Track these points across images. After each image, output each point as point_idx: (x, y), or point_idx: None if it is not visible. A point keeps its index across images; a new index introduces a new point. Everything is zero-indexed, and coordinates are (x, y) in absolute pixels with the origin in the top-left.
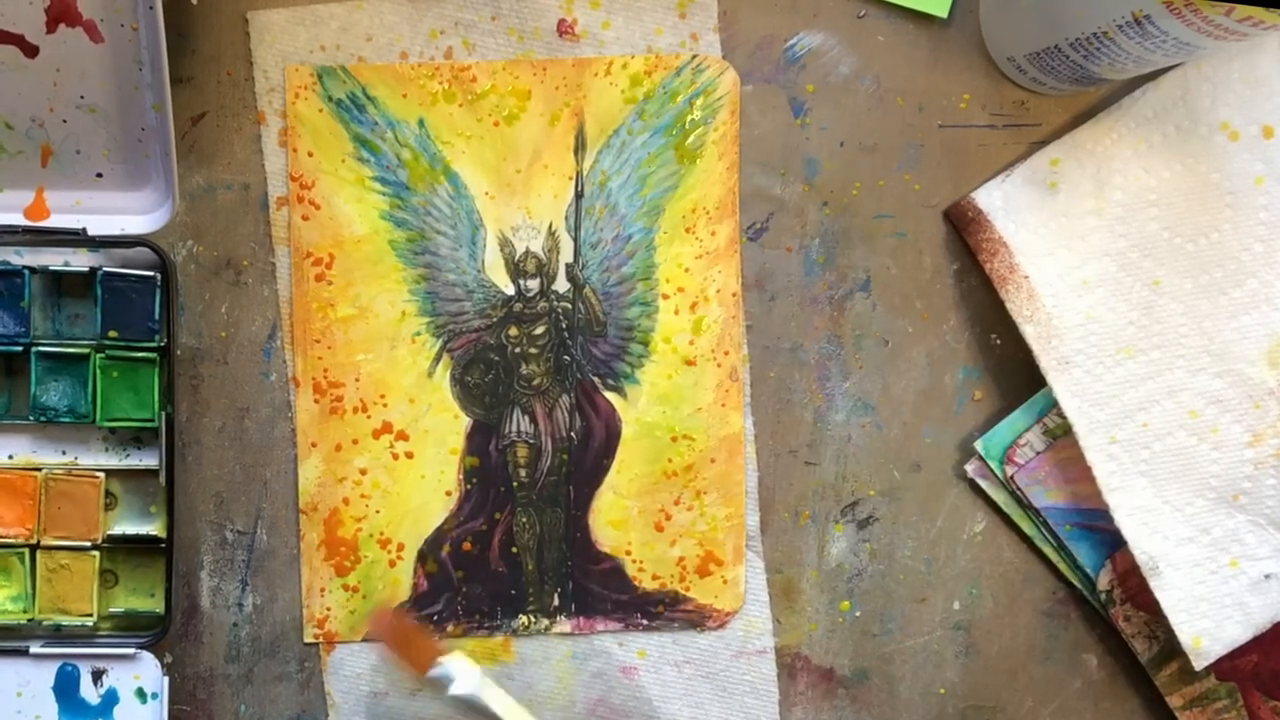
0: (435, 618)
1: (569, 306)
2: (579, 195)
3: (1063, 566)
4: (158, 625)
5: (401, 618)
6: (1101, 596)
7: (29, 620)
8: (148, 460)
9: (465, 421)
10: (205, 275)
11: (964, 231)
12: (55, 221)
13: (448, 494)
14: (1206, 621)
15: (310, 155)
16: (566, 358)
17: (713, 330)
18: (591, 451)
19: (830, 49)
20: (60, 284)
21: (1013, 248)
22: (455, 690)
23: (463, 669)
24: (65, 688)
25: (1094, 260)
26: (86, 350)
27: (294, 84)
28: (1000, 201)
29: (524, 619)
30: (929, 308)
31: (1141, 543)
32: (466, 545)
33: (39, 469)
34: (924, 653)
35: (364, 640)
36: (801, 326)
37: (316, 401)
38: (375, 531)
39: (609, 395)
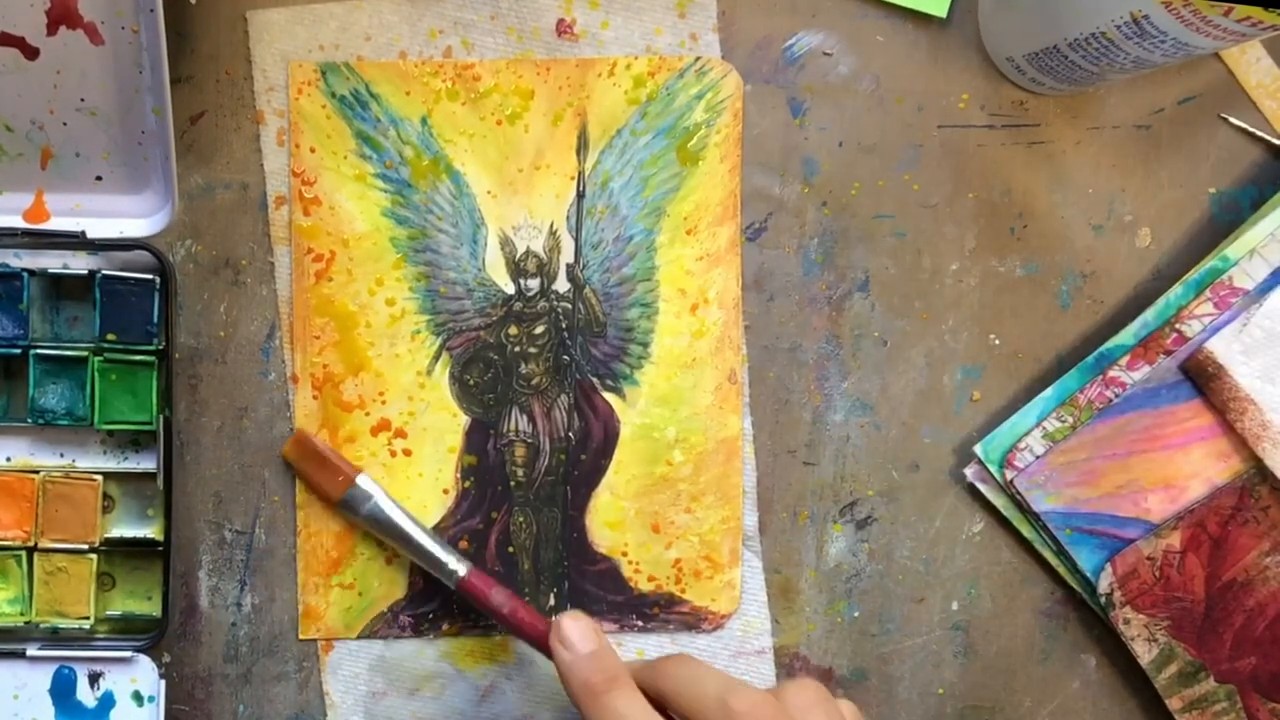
0: (431, 615)
1: (569, 306)
2: (581, 195)
3: (1062, 570)
4: (155, 628)
5: (309, 442)
6: (1101, 600)
7: (26, 623)
8: (146, 463)
9: (464, 420)
10: (204, 275)
11: (1204, 388)
12: (54, 224)
13: (445, 492)
14: None
15: (312, 151)
16: (566, 358)
17: (712, 333)
18: (589, 452)
19: (829, 49)
20: (59, 287)
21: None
22: (362, 513)
23: (373, 490)
24: (62, 690)
25: None
26: (85, 353)
27: (297, 80)
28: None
29: None
30: (927, 308)
31: None
32: (463, 544)
33: (37, 471)
34: (922, 653)
35: (283, 458)
36: (800, 326)
37: (315, 399)
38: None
39: (608, 396)
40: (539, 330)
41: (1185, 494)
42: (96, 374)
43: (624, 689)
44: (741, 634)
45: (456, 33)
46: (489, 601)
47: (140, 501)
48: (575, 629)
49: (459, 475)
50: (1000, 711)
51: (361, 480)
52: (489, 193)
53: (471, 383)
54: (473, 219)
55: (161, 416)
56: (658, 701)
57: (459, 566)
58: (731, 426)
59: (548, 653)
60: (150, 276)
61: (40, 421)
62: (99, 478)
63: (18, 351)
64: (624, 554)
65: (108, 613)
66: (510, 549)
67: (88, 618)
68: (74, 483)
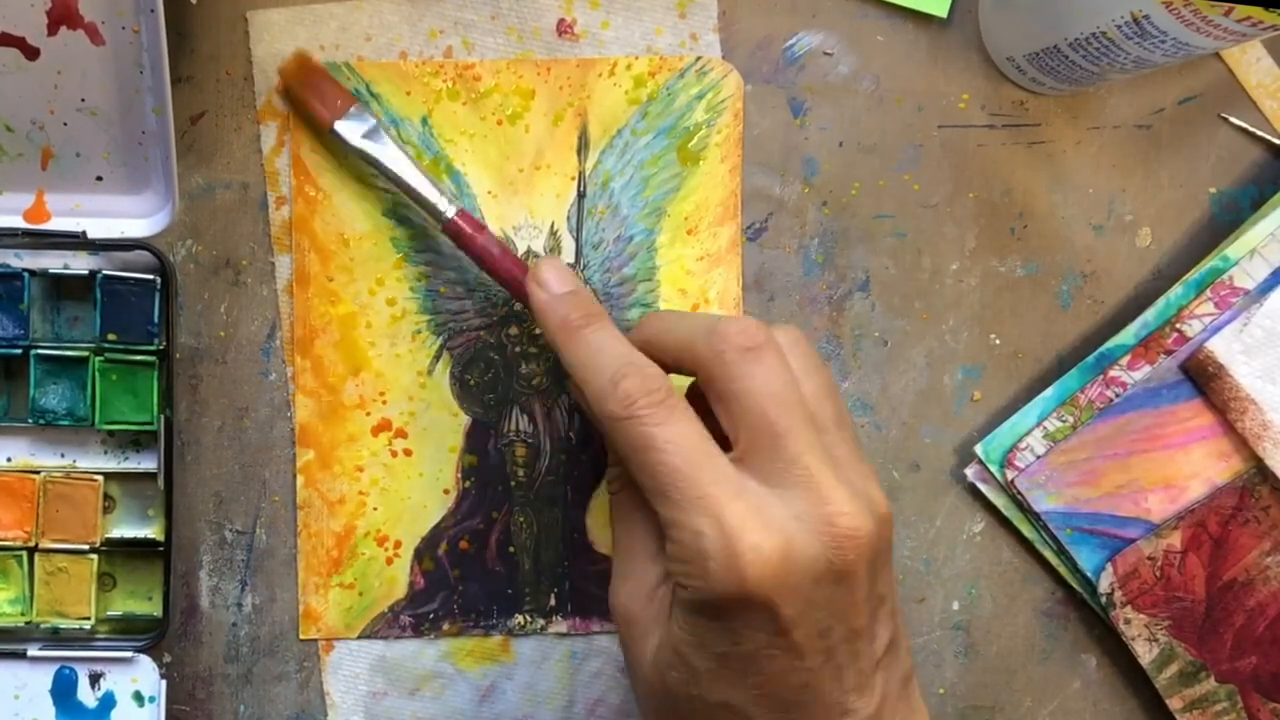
0: (431, 616)
1: None
2: (581, 195)
3: (1063, 570)
4: (155, 629)
5: (311, 61)
6: (1102, 600)
7: (27, 623)
8: (146, 463)
9: (464, 420)
10: (204, 275)
11: (1205, 388)
12: (55, 224)
13: (445, 492)
14: None
15: (314, 151)
16: None
17: None
18: (590, 452)
19: (830, 49)
20: (59, 287)
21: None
22: (355, 143)
23: (369, 119)
24: (63, 690)
25: None
26: (85, 353)
27: None
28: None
29: (520, 618)
30: (928, 308)
31: None
32: (464, 544)
33: (37, 471)
34: (923, 653)
35: (278, 91)
36: (800, 326)
37: (315, 399)
38: (372, 529)
39: None
40: (540, 330)
41: (1186, 494)
42: (97, 374)
43: (603, 324)
44: None
45: (457, 33)
46: (474, 243)
47: (141, 501)
48: (552, 271)
49: (460, 475)
50: (1001, 711)
51: (358, 109)
52: (489, 193)
53: (472, 383)
54: None
55: (162, 417)
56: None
57: (448, 208)
58: None
59: (526, 300)
60: (151, 277)
61: (41, 422)
62: (99, 478)
63: (18, 351)
64: None
65: (108, 613)
66: (511, 549)
67: (88, 618)
68: (74, 483)
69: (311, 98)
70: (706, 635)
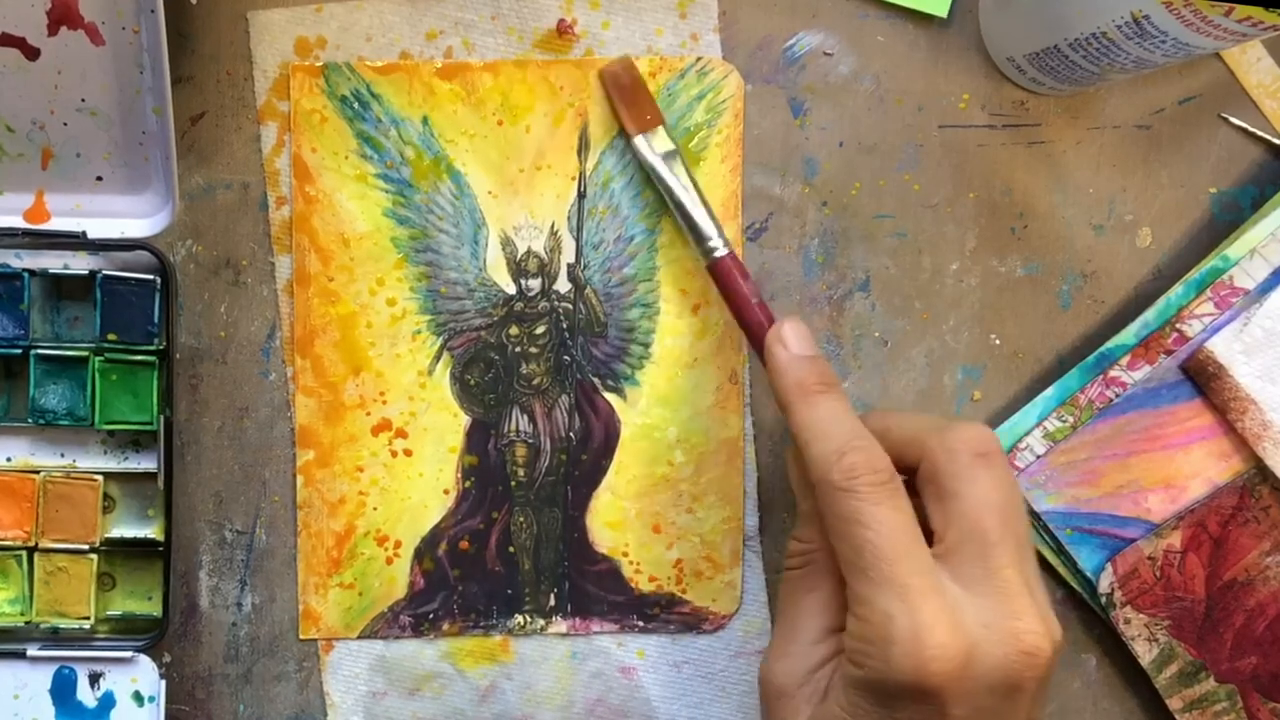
0: (431, 616)
1: (570, 307)
2: (581, 195)
3: (1062, 570)
4: (155, 628)
5: (635, 70)
6: (1102, 599)
7: (26, 623)
8: (146, 463)
9: (464, 420)
10: (204, 275)
11: (1205, 387)
12: (55, 224)
13: (445, 492)
14: None
15: (313, 151)
16: (567, 358)
17: (714, 333)
18: (590, 452)
19: (830, 49)
20: (59, 287)
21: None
22: (649, 159)
23: (668, 145)
24: (62, 690)
25: None
26: (85, 353)
27: (298, 80)
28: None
29: (520, 619)
30: (928, 308)
31: None
32: (464, 544)
33: (37, 471)
34: None
35: (599, 76)
36: None
37: (315, 399)
38: (372, 529)
39: (609, 396)
40: (540, 330)
41: (1186, 494)
42: (97, 374)
43: (838, 395)
44: (742, 634)
45: (457, 33)
46: (735, 286)
47: (141, 501)
48: (795, 333)
49: (460, 475)
50: None
51: (662, 130)
52: (490, 193)
53: (472, 383)
54: (474, 219)
55: (162, 417)
56: None
57: (721, 248)
58: (733, 427)
59: (762, 351)
60: (151, 277)
61: (41, 422)
62: (99, 478)
63: (18, 351)
64: (625, 554)
65: (108, 613)
66: (511, 549)
67: (88, 618)
68: (74, 483)
69: (623, 105)
70: (868, 718)
